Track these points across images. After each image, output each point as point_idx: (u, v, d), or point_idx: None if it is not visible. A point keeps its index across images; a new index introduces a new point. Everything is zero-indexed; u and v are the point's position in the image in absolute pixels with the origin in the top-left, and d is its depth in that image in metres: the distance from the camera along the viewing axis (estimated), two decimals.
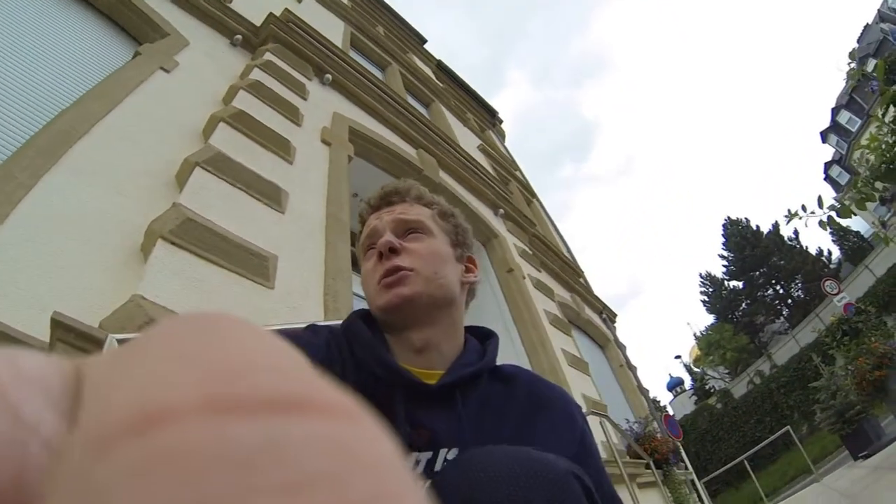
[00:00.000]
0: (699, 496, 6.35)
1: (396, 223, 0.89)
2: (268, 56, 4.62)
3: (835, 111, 34.13)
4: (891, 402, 4.56)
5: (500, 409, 0.80)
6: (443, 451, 0.74)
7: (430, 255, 0.86)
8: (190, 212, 2.50)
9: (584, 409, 4.20)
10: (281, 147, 3.69)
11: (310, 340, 0.79)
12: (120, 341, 1.48)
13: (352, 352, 0.81)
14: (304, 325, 0.89)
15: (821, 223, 2.79)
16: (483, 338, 0.93)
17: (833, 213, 2.79)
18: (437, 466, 0.73)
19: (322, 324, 0.90)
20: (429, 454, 0.73)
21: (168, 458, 0.09)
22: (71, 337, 1.58)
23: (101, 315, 1.92)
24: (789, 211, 2.81)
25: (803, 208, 2.81)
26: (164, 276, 2.19)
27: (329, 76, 5.42)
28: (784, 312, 34.13)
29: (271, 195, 3.21)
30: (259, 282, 2.64)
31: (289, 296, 2.78)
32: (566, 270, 9.00)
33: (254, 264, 2.66)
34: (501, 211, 7.58)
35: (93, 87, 3.07)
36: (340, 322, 0.89)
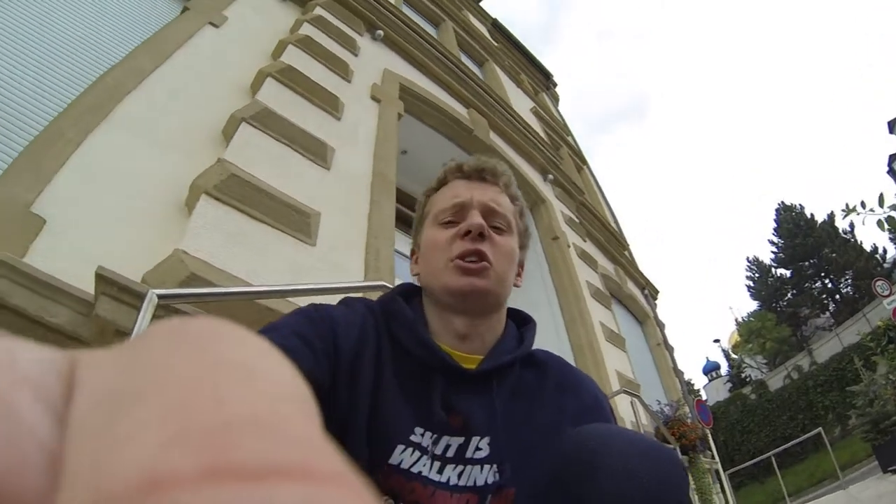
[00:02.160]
0: (722, 487, 6.27)
1: (487, 209, 0.85)
2: (318, 11, 4.58)
3: None
4: None
5: (531, 396, 0.81)
6: (475, 440, 0.75)
7: (508, 254, 0.84)
8: (234, 167, 2.53)
9: (616, 387, 4.17)
10: (329, 103, 3.67)
11: (346, 318, 0.78)
12: (161, 296, 1.53)
13: (389, 330, 0.81)
14: (343, 287, 0.89)
15: (879, 223, 2.63)
16: (521, 321, 0.92)
17: (894, 214, 2.62)
18: (469, 453, 0.74)
19: (356, 297, 0.89)
20: (460, 440, 0.75)
21: None
22: (114, 290, 1.63)
23: (145, 268, 1.98)
24: (847, 205, 2.66)
25: (862, 205, 2.65)
26: (207, 231, 2.23)
27: (381, 32, 5.35)
28: (830, 307, 32.61)
29: (317, 151, 3.22)
30: (301, 238, 2.68)
31: (330, 252, 2.80)
32: (611, 241, 8.85)
33: (296, 220, 2.69)
34: (551, 177, 7.43)
35: (141, 42, 3.10)
36: (383, 294, 0.89)
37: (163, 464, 0.10)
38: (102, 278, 1.62)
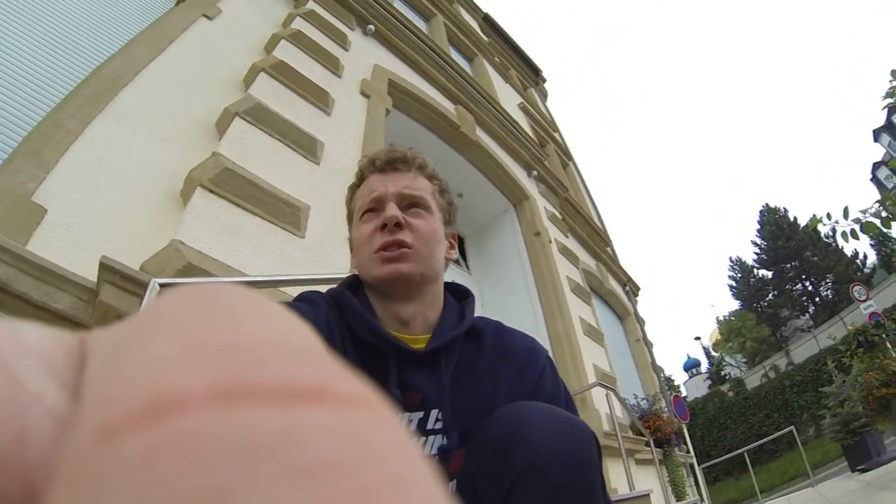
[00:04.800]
0: (696, 480, 6.45)
1: (401, 196, 0.91)
2: (310, 5, 4.62)
3: (892, 111, 32.21)
4: (894, 421, 4.54)
5: (474, 367, 0.89)
6: (433, 413, 0.83)
7: (429, 234, 0.90)
8: (228, 161, 2.61)
9: (593, 380, 4.28)
10: (320, 98, 3.74)
11: (313, 316, 0.84)
12: (162, 285, 1.63)
13: (344, 320, 0.87)
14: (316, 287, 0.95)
15: (844, 234, 2.73)
16: (459, 296, 0.99)
17: (856, 227, 2.72)
18: (429, 425, 0.82)
19: (313, 291, 0.94)
20: (420, 414, 0.83)
21: (178, 447, 0.09)
22: (117, 279, 1.72)
23: (143, 257, 2.07)
24: (814, 216, 2.76)
25: (828, 216, 2.75)
26: (202, 222, 2.32)
27: (372, 27, 5.39)
28: (810, 310, 33.34)
29: (307, 146, 3.30)
30: (291, 231, 2.76)
31: (319, 245, 2.89)
32: (594, 238, 8.98)
33: (287, 213, 2.78)
34: (535, 172, 7.52)
35: (137, 34, 3.15)
36: (332, 287, 0.95)
37: (171, 383, 0.09)
38: (106, 267, 1.71)
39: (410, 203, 0.91)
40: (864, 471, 6.04)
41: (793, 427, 9.11)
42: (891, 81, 2.90)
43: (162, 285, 1.60)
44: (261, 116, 3.05)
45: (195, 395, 0.09)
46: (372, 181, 0.94)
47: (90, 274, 1.79)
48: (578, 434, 0.69)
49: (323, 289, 0.96)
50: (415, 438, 0.11)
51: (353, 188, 0.98)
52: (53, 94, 2.52)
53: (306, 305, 0.87)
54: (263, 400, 0.09)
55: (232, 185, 2.54)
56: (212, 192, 2.44)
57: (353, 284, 0.94)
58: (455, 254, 1.00)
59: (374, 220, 0.89)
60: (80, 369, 0.12)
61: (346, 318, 0.86)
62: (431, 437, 0.83)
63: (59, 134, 2.27)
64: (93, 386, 0.11)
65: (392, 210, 0.88)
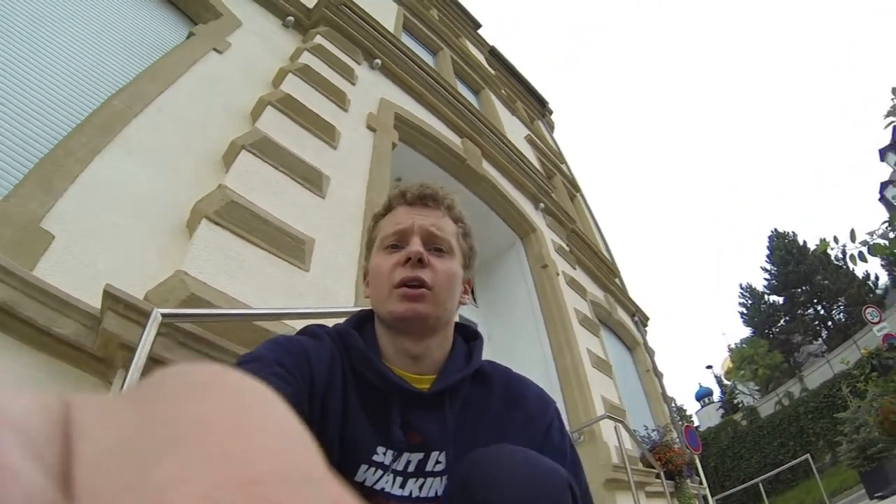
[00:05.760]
0: None
1: (427, 235, 0.90)
2: (318, 39, 4.71)
3: None
4: None
5: (480, 410, 0.88)
6: (434, 454, 0.83)
7: (448, 278, 0.89)
8: (234, 194, 2.64)
9: (601, 412, 4.22)
10: (326, 132, 3.80)
11: (317, 350, 0.85)
12: (164, 315, 1.64)
13: (350, 358, 0.87)
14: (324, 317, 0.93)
15: (852, 257, 2.75)
16: (468, 336, 0.99)
17: (864, 250, 2.74)
18: (429, 467, 0.82)
19: (318, 325, 0.93)
20: (420, 455, 0.82)
21: None
22: (120, 307, 1.74)
23: (148, 286, 2.09)
24: (823, 240, 2.79)
25: (835, 239, 2.79)
26: (207, 253, 2.34)
27: (378, 61, 5.48)
28: (823, 334, 32.66)
29: (313, 180, 3.33)
30: (295, 264, 2.77)
31: (323, 279, 2.90)
32: (602, 269, 8.95)
33: (291, 247, 2.79)
34: (542, 205, 7.53)
35: (148, 66, 3.24)
36: (337, 323, 0.95)
37: None
38: (109, 295, 1.73)
39: (435, 244, 0.91)
40: (882, 497, 5.90)
41: (808, 455, 8.97)
42: (892, 99, 2.94)
43: (164, 315, 1.61)
44: (267, 150, 3.10)
45: None
46: (399, 213, 0.94)
47: (95, 301, 1.81)
48: (545, 478, 0.68)
49: (326, 323, 0.96)
50: None
51: (378, 217, 0.98)
52: (65, 122, 2.59)
53: (310, 340, 0.87)
54: None
55: (237, 218, 2.57)
56: (217, 223, 2.47)
57: (360, 320, 0.94)
58: (468, 299, 1.00)
59: (396, 254, 0.89)
60: (65, 442, 0.12)
61: (351, 357, 0.87)
62: (430, 479, 0.82)
63: (69, 162, 2.32)
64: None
65: (416, 245, 0.88)
